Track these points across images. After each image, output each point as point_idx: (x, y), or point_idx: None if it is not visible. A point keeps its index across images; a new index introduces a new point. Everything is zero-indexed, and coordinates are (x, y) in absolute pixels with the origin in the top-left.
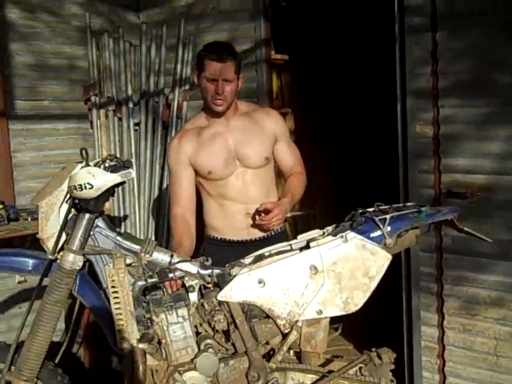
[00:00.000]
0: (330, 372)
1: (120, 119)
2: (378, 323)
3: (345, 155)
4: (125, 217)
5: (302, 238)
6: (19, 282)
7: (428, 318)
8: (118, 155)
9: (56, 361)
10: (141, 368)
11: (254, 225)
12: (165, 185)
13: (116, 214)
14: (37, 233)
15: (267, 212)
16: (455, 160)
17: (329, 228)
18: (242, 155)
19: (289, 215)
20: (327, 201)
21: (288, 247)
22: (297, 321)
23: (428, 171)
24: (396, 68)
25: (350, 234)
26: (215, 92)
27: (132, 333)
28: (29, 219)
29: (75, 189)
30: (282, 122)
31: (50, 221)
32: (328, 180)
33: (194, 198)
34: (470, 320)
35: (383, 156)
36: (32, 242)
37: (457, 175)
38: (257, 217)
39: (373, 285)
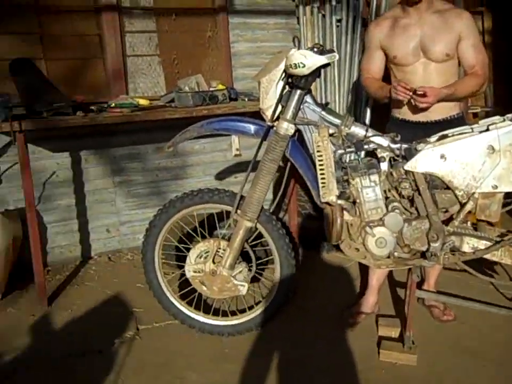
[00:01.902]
0: (502, 241)
1: (323, 15)
2: None
3: None
4: (326, 104)
5: (483, 123)
6: (235, 156)
7: None
8: None
9: (271, 210)
10: (339, 220)
11: (432, 110)
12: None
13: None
14: (258, 109)
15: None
16: None
17: (509, 115)
18: (426, 48)
19: (479, 110)
20: None
21: (470, 130)
22: (474, 193)
23: None
24: None
25: None
26: None
27: (332, 190)
28: (246, 99)
29: (291, 67)
30: (472, 24)
31: (269, 95)
32: None
33: (381, 74)
34: None
35: None
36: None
37: None
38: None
39: None
